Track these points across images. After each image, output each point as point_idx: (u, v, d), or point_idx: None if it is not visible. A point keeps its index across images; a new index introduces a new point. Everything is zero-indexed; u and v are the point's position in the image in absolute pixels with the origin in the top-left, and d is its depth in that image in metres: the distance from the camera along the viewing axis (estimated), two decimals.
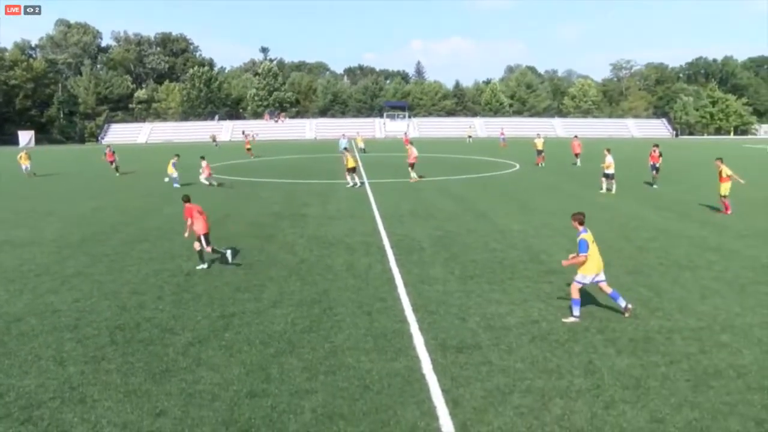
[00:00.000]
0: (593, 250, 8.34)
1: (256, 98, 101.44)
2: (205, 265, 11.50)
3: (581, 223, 8.48)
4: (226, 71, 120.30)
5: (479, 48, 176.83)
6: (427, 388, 6.47)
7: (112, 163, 32.23)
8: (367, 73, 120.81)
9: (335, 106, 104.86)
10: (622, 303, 8.51)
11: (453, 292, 9.73)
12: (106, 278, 10.92)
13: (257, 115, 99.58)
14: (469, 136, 69.35)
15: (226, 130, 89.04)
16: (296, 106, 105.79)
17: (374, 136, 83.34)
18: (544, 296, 9.47)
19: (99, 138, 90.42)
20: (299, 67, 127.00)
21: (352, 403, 6.20)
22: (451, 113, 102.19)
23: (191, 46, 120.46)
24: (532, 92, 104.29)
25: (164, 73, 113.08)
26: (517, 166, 33.74)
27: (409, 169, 26.18)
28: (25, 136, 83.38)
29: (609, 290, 8.54)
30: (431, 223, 15.62)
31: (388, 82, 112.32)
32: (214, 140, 67.14)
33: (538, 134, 38.71)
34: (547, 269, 10.99)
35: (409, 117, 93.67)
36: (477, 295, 9.55)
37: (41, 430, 5.76)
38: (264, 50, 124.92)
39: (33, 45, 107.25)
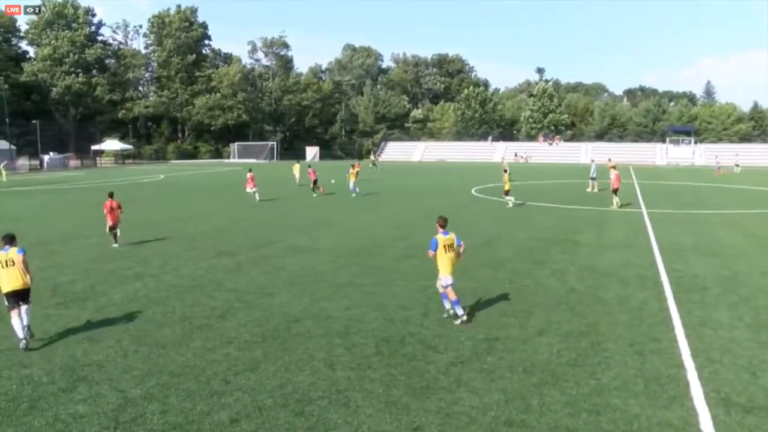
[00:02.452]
0: (441, 253, 10.01)
1: (530, 120, 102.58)
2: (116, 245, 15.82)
3: (442, 226, 10.31)
4: (501, 92, 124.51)
5: None
6: None
7: (314, 182, 33.27)
8: (648, 94, 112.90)
9: (613, 130, 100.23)
10: (459, 311, 9.97)
11: (742, 341, 8.94)
12: (375, 290, 11.97)
13: (531, 137, 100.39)
14: (736, 165, 62.76)
15: (499, 151, 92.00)
16: (571, 129, 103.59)
17: (654, 163, 79.83)
18: None
19: (376, 155, 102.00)
20: (575, 88, 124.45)
21: None
22: (745, 138, 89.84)
23: (466, 67, 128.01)
24: None
25: (439, 93, 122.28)
26: None
27: (613, 195, 26.89)
28: (311, 152, 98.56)
29: (451, 295, 10.01)
30: (716, 261, 14.65)
31: (672, 104, 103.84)
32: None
33: None
34: None
35: (695, 143, 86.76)
36: None
37: (310, 425, 6.54)
38: (540, 71, 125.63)
39: (323, 68, 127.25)
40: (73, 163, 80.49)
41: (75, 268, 14.17)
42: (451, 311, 10.08)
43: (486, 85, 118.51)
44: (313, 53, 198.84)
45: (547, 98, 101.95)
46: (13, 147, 77.16)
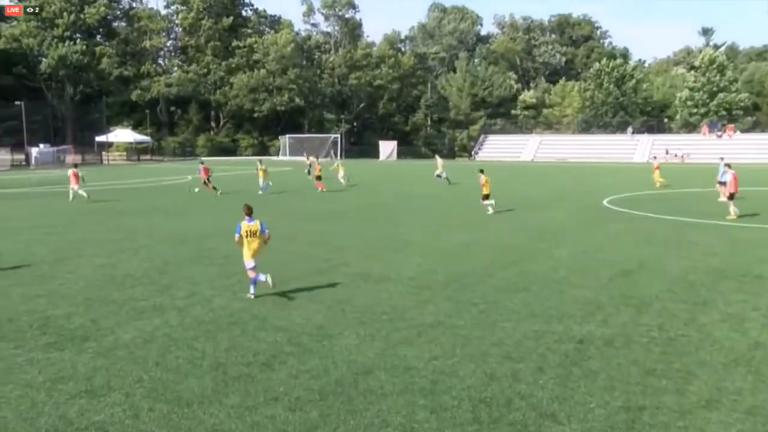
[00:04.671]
0: (246, 239, 14.32)
1: (688, 103, 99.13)
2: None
3: (248, 214, 14.61)
4: (646, 65, 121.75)
5: None
6: None
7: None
8: None
9: None
10: (252, 289, 14.49)
11: None
12: (472, 334, 11.92)
13: (690, 127, 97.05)
14: None
15: (643, 148, 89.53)
16: (753, 114, 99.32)
17: None
18: None
19: (472, 153, 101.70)
20: (762, 54, 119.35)
21: None
22: None
23: (597, 31, 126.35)
24: None
25: (559, 68, 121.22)
26: None
27: (729, 202, 28.68)
28: (387, 147, 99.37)
29: (252, 275, 14.37)
30: None
31: None
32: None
33: None
34: None
35: None
36: None
37: None
38: (705, 32, 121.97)
39: (402, 37, 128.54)
40: (71, 158, 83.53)
41: (72, 298, 14.63)
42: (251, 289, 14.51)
43: (625, 56, 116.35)
44: (388, 16, 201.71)
45: (716, 71, 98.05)
46: None
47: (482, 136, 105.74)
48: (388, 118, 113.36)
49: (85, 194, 36.22)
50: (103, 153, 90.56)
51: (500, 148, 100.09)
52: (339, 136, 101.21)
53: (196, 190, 42.60)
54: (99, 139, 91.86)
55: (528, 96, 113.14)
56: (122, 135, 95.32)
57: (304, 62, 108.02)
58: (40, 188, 46.69)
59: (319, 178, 43.33)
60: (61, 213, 31.24)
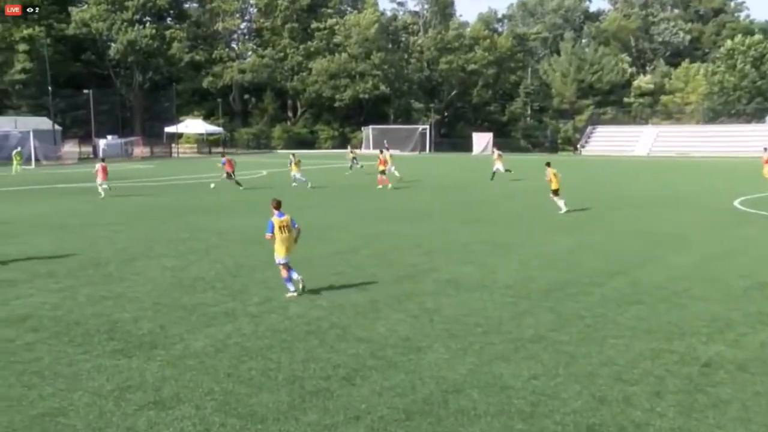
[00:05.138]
0: (279, 235, 15.04)
1: None
2: None
3: (276, 208, 15.34)
4: None
5: None
6: None
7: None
8: None
9: None
10: (291, 287, 15.23)
11: None
12: (578, 351, 11.75)
13: None
14: None
15: None
16: None
17: None
18: None
19: (578, 147, 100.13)
20: None
21: None
22: None
23: (731, 3, 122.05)
24: None
25: (682, 49, 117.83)
26: None
27: None
28: (481, 140, 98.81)
29: (284, 273, 15.25)
30: None
31: None
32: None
33: None
34: None
35: None
36: None
37: None
38: None
39: (499, 16, 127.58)
40: (139, 150, 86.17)
41: (140, 302, 15.13)
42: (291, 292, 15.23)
43: (766, 31, 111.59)
44: None
45: None
46: (57, 127, 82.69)
47: (589, 128, 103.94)
48: (482, 107, 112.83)
49: (105, 190, 37.82)
50: (173, 145, 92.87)
51: (610, 140, 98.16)
52: (428, 127, 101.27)
53: (212, 186, 43.52)
54: (168, 129, 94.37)
55: (644, 81, 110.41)
56: (193, 125, 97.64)
57: (390, 45, 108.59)
58: (106, 183, 48.41)
59: (382, 173, 43.32)
60: (127, 209, 32.28)
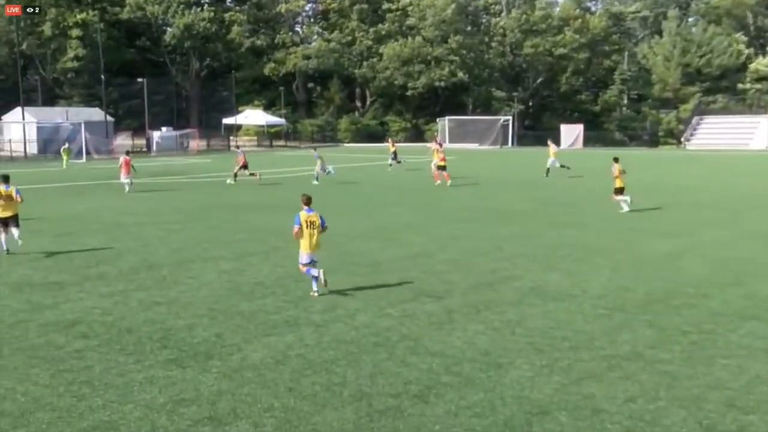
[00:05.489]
0: (305, 230, 16.02)
1: None
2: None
3: (306, 204, 16.39)
4: None
5: None
6: None
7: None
8: None
9: None
10: (315, 286, 16.19)
11: None
12: (682, 372, 11.53)
13: None
14: None
15: None
16: None
17: None
18: None
19: (682, 140, 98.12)
20: None
21: None
22: None
23: None
24: None
25: None
26: None
27: None
28: (570, 132, 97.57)
29: (304, 270, 16.35)
30: None
31: None
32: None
33: None
34: None
35: None
36: None
37: None
38: None
39: None
40: (195, 143, 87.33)
41: (195, 308, 15.38)
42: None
43: None
44: None
45: None
46: (109, 118, 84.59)
47: (696, 118, 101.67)
48: (572, 96, 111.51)
49: (129, 186, 39.13)
50: (231, 138, 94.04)
51: (721, 132, 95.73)
52: (510, 118, 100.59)
53: (228, 181, 44.47)
54: (226, 121, 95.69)
55: (762, 64, 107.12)
56: (253, 116, 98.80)
57: (469, 27, 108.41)
58: (160, 179, 49.27)
59: (442, 168, 43.23)
60: (183, 207, 32.85)
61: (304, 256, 16.13)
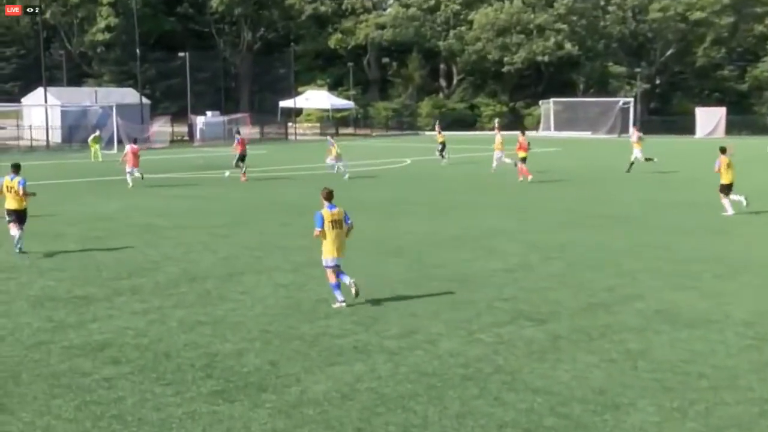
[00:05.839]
0: (329, 231, 16.75)
1: None
2: None
3: (327, 199, 17.04)
4: None
5: None
6: None
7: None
8: None
9: None
10: (339, 297, 16.92)
11: None
12: None
13: None
14: None
15: None
16: None
17: None
18: None
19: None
20: None
21: None
22: None
23: None
24: None
25: None
26: None
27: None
28: (709, 118, 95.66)
29: (332, 278, 16.97)
30: None
31: None
32: None
33: None
34: None
35: None
36: None
37: None
38: None
39: None
40: (246, 131, 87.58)
41: (245, 329, 15.51)
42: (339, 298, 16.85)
43: None
44: None
45: None
46: (145, 100, 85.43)
47: None
48: (711, 72, 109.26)
49: (135, 180, 40.84)
50: (289, 124, 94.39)
51: None
52: (631, 100, 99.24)
53: (227, 174, 45.60)
54: (283, 104, 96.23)
55: None
56: (315, 99, 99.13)
57: None
58: (203, 174, 49.93)
59: (524, 160, 43.35)
60: (231, 208, 33.27)
61: (330, 260, 16.74)
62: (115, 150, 69.07)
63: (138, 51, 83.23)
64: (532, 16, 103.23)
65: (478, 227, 27.63)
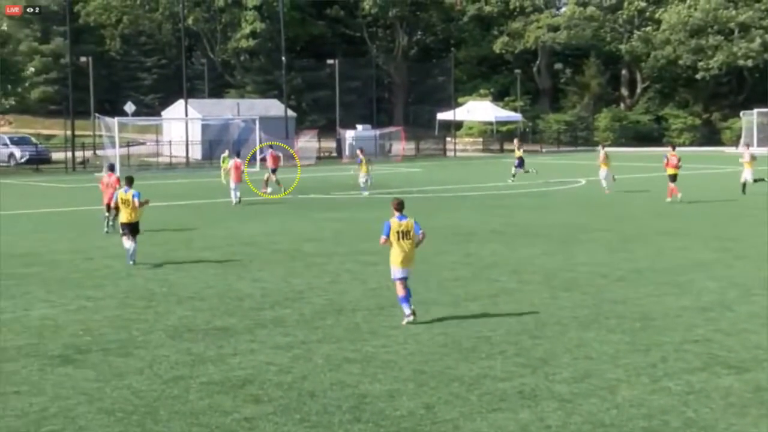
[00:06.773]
0: (396, 242, 18.36)
1: None
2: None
3: (398, 209, 18.56)
4: None
5: None
6: None
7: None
8: None
9: None
10: (407, 310, 18.46)
11: None
12: None
13: None
14: None
15: None
16: None
17: None
18: None
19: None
20: None
21: None
22: None
23: None
24: None
25: None
26: None
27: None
28: None
29: (401, 291, 18.49)
30: None
31: None
32: None
33: None
34: None
35: None
36: None
37: None
38: None
39: None
40: (400, 147, 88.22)
41: (397, 368, 15.65)
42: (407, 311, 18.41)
43: None
44: None
45: None
46: (291, 113, 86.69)
47: None
48: None
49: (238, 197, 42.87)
50: (448, 139, 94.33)
51: None
52: None
53: (269, 191, 47.60)
54: (441, 116, 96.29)
55: None
56: (478, 110, 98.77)
57: None
58: (352, 194, 50.43)
59: (673, 177, 43.62)
60: (375, 233, 33.39)
61: (397, 271, 18.34)
62: (257, 167, 69.78)
63: (284, 58, 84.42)
64: (734, 12, 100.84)
65: (665, 259, 27.22)
